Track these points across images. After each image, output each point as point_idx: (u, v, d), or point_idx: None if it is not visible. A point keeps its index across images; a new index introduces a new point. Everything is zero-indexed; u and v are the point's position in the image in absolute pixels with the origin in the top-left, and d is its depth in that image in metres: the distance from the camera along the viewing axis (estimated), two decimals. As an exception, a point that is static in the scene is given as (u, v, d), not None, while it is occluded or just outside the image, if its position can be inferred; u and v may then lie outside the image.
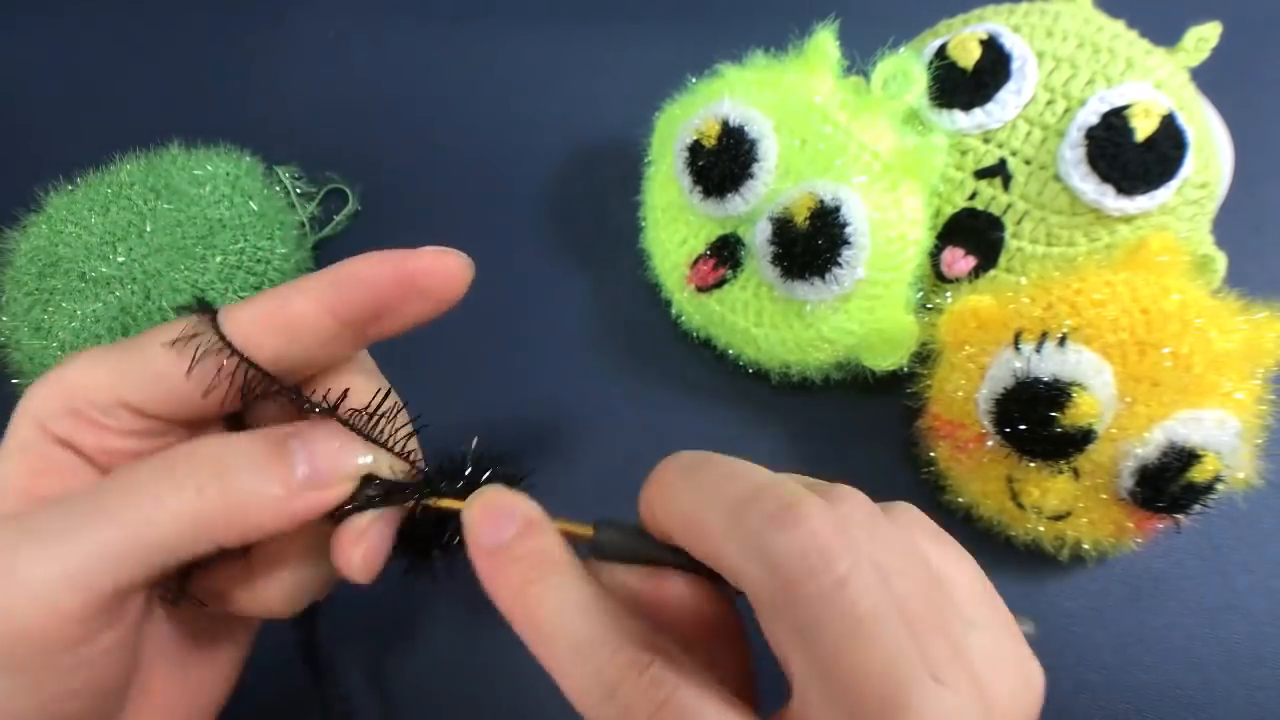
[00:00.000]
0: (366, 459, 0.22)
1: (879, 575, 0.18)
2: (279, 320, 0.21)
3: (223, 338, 0.20)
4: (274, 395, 0.21)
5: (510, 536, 0.21)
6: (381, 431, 0.22)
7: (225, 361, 0.20)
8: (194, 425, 0.22)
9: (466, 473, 0.23)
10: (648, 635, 0.20)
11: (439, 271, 0.22)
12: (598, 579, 0.22)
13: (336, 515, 0.22)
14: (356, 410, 0.22)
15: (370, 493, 0.22)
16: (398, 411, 0.23)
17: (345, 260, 0.21)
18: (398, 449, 0.22)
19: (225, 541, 0.20)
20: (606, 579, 0.23)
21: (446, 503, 0.22)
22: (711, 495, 0.20)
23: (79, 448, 0.21)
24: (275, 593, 0.23)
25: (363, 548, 0.22)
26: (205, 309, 0.21)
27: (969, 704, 0.18)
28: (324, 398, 0.22)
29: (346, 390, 0.22)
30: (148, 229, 0.38)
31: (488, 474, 0.23)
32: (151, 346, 0.21)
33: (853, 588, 0.18)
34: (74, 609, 0.19)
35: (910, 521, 0.22)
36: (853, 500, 0.20)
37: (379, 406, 0.22)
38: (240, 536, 0.20)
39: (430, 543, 0.23)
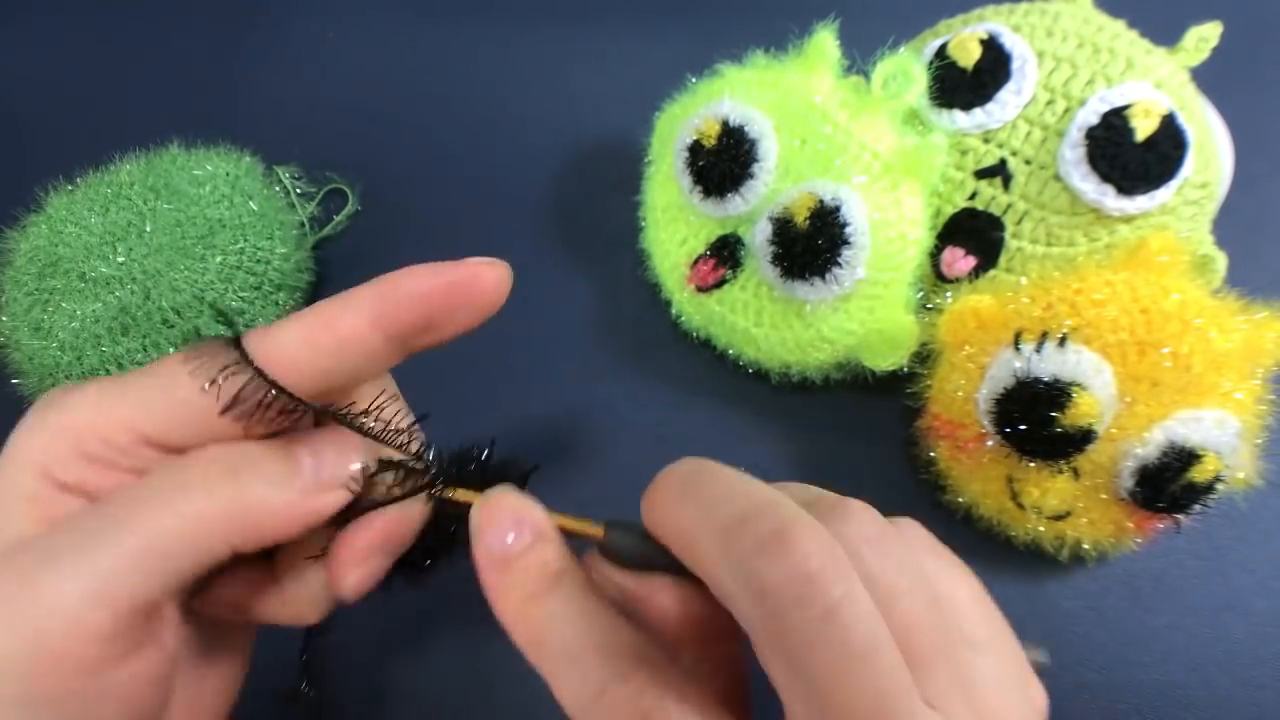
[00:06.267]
0: (365, 462, 0.22)
1: (878, 598, 0.18)
2: (326, 339, 0.20)
3: (253, 366, 0.20)
4: (304, 415, 0.21)
5: (517, 548, 0.21)
6: (393, 436, 0.22)
7: (258, 389, 0.20)
8: None
9: (477, 464, 0.23)
10: (641, 646, 0.20)
11: (486, 282, 0.22)
12: (592, 577, 0.22)
13: (350, 515, 0.22)
14: (363, 412, 0.22)
15: (379, 496, 0.22)
16: (405, 416, 0.23)
17: (390, 274, 0.21)
18: (407, 448, 0.23)
19: (239, 545, 0.20)
20: (600, 576, 0.23)
21: (462, 495, 0.23)
22: (706, 515, 0.19)
23: (92, 492, 0.20)
24: (304, 598, 0.23)
25: (360, 571, 0.22)
26: (230, 334, 0.20)
27: None
28: (345, 410, 0.22)
29: (379, 405, 0.22)
30: (147, 229, 0.38)
31: (489, 464, 0.23)
32: (171, 375, 0.20)
33: (844, 616, 0.17)
34: (100, 626, 0.18)
35: (914, 537, 0.22)
36: (860, 518, 0.20)
37: (384, 410, 0.22)
38: (253, 540, 0.20)
39: (433, 550, 0.23)
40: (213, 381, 0.20)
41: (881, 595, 0.18)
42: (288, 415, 0.21)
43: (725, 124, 0.33)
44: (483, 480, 0.23)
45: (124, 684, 0.19)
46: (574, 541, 0.23)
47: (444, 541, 0.23)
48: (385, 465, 0.22)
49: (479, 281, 0.22)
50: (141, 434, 0.20)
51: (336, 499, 0.21)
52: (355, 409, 0.22)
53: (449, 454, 0.23)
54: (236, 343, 0.20)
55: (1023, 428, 0.29)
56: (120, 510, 0.19)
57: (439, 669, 0.34)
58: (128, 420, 0.20)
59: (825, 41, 0.33)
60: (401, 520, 0.22)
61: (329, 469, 0.21)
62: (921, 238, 0.33)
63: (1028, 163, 0.33)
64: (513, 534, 0.21)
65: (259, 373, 0.20)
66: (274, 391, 0.20)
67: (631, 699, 0.19)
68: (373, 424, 0.22)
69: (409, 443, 0.23)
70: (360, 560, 0.22)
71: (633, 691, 0.19)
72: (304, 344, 0.20)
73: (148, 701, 0.20)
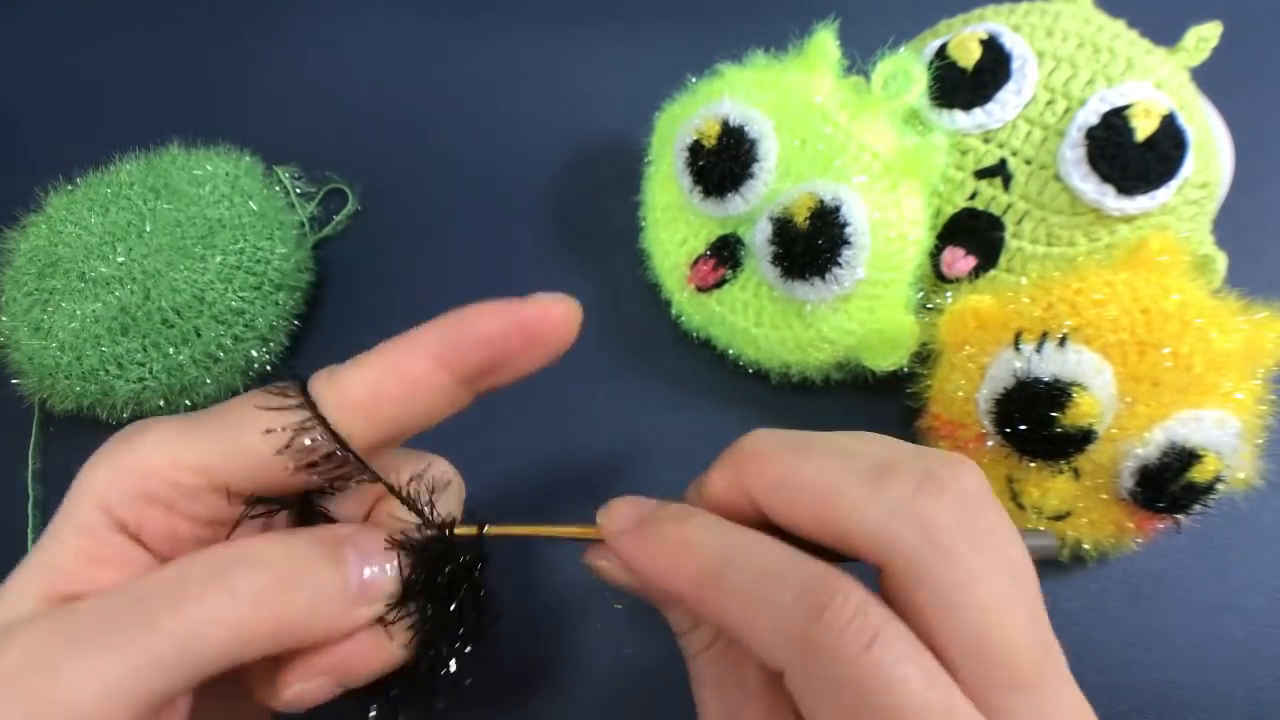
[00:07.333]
0: (399, 565, 0.21)
1: (977, 607, 0.18)
2: (393, 385, 0.20)
3: (323, 421, 0.19)
4: (356, 478, 0.21)
5: (645, 508, 0.21)
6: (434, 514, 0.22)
7: (325, 443, 0.19)
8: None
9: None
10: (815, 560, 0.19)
11: (554, 319, 0.21)
12: (603, 571, 0.23)
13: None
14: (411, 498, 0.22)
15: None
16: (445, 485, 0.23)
17: (455, 312, 0.21)
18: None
19: (276, 652, 0.19)
20: (613, 570, 0.23)
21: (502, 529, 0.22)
22: (842, 464, 0.19)
23: (143, 537, 0.20)
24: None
25: (299, 688, 0.20)
26: (297, 380, 0.20)
27: (1068, 687, 0.19)
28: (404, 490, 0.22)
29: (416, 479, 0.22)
30: (147, 229, 0.38)
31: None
32: (239, 419, 0.20)
33: (1007, 549, 0.18)
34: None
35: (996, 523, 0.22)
36: (958, 499, 0.20)
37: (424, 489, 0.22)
38: (293, 647, 0.19)
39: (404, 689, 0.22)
40: (282, 435, 0.19)
41: (981, 605, 0.18)
42: (349, 473, 0.20)
43: (725, 124, 0.33)
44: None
45: None
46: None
47: (416, 684, 0.22)
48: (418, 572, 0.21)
49: (547, 319, 0.21)
50: (207, 478, 0.19)
51: (376, 611, 0.20)
52: (408, 484, 0.22)
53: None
54: (304, 390, 0.20)
55: (1023, 428, 0.29)
56: (158, 604, 0.18)
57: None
58: (194, 463, 0.19)
59: (825, 41, 0.33)
60: (364, 657, 0.21)
61: (374, 579, 0.20)
62: (921, 238, 0.33)
63: (1028, 163, 0.33)
64: (637, 509, 0.21)
65: (328, 429, 0.19)
66: (339, 449, 0.20)
67: (860, 610, 0.17)
68: (423, 503, 0.22)
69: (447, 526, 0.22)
70: (304, 677, 0.20)
71: (858, 605, 0.17)
72: (371, 390, 0.20)
73: None
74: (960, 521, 0.18)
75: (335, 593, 0.20)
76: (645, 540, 0.21)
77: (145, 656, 0.17)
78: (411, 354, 0.20)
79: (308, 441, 0.19)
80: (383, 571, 0.21)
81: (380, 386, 0.20)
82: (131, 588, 0.18)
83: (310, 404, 0.19)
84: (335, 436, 0.20)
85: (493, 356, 0.21)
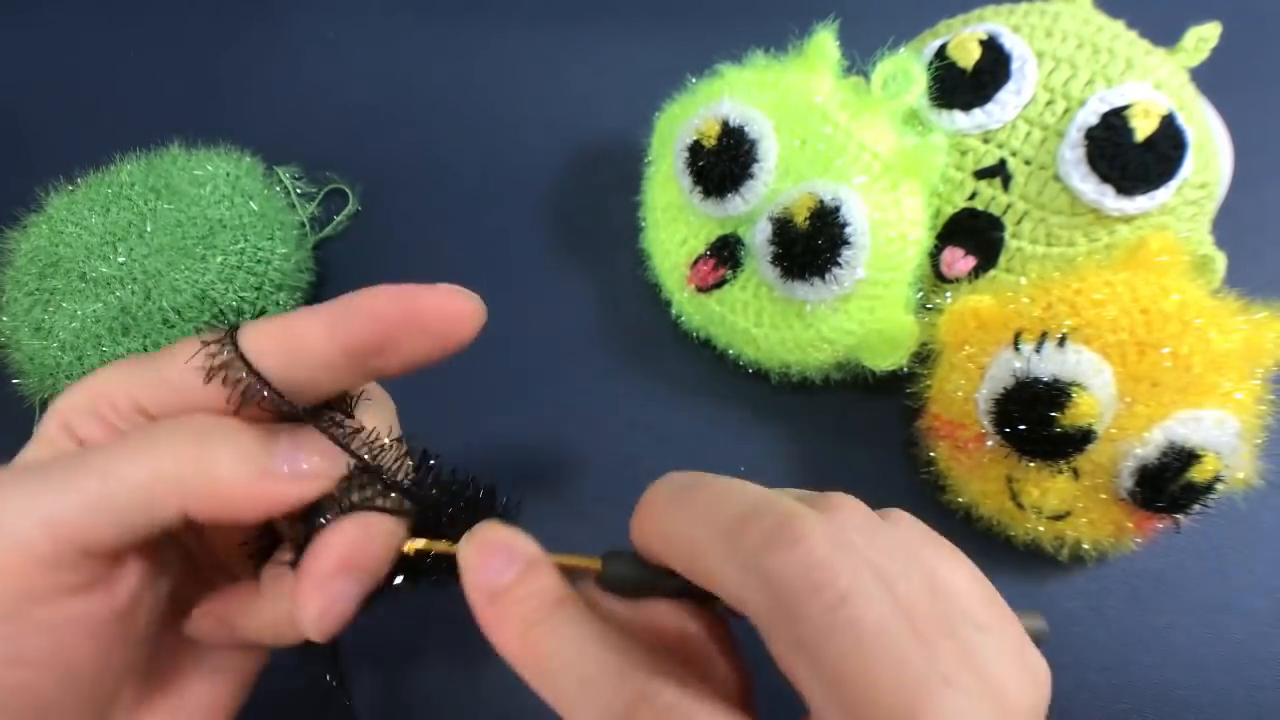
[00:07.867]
0: (344, 468, 0.22)
1: (881, 583, 0.18)
2: (284, 340, 0.21)
3: (238, 351, 0.20)
4: (284, 415, 0.21)
5: (510, 579, 0.21)
6: (369, 450, 0.22)
7: (238, 375, 0.20)
8: None
9: (462, 499, 0.23)
10: (655, 663, 0.19)
11: (446, 312, 0.21)
12: (596, 609, 0.22)
13: (312, 519, 0.21)
14: (353, 430, 0.22)
15: (351, 499, 0.21)
16: (403, 453, 0.23)
17: (360, 290, 0.21)
18: (390, 469, 0.22)
19: (192, 511, 0.20)
20: (602, 609, 0.22)
21: (438, 545, 0.22)
22: (705, 518, 0.20)
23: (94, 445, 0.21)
24: (283, 615, 0.22)
25: (320, 601, 0.20)
26: (228, 325, 0.21)
27: (981, 704, 0.18)
28: (333, 420, 0.22)
29: (350, 413, 0.22)
30: (148, 229, 0.38)
31: (473, 499, 0.23)
32: (171, 357, 0.21)
33: (855, 602, 0.18)
34: (44, 553, 0.19)
35: (906, 526, 0.22)
36: (848, 508, 0.20)
37: (376, 438, 0.22)
38: (206, 508, 0.20)
39: (418, 574, 0.23)
40: (209, 372, 0.20)
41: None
42: (271, 413, 0.21)
43: (725, 124, 0.33)
44: (463, 513, 0.22)
45: (57, 624, 0.19)
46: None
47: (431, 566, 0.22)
48: (365, 474, 0.22)
49: (438, 312, 0.21)
50: (136, 403, 0.21)
51: (301, 491, 0.21)
52: (344, 422, 0.22)
53: (433, 478, 0.22)
54: (233, 337, 0.21)
55: (1022, 428, 0.29)
56: (92, 456, 0.20)
57: (449, 667, 0.34)
58: (126, 388, 0.21)
59: (825, 42, 0.33)
60: (367, 540, 0.21)
61: (304, 460, 0.21)
62: (921, 238, 0.33)
63: (1027, 163, 0.33)
64: (504, 567, 0.21)
65: (250, 368, 0.20)
66: (260, 387, 0.20)
67: (662, 716, 0.18)
68: (348, 434, 0.22)
69: (393, 465, 0.22)
70: (321, 585, 0.20)
71: (662, 709, 0.18)
72: (265, 342, 0.21)
73: (82, 651, 0.20)
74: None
75: (254, 456, 0.20)
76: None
77: (76, 494, 0.19)
78: (305, 318, 0.21)
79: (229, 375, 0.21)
80: (318, 460, 0.21)
81: (275, 343, 0.21)
82: (78, 449, 0.21)
83: (234, 342, 0.21)
84: (257, 376, 0.20)
85: (379, 335, 0.21)
